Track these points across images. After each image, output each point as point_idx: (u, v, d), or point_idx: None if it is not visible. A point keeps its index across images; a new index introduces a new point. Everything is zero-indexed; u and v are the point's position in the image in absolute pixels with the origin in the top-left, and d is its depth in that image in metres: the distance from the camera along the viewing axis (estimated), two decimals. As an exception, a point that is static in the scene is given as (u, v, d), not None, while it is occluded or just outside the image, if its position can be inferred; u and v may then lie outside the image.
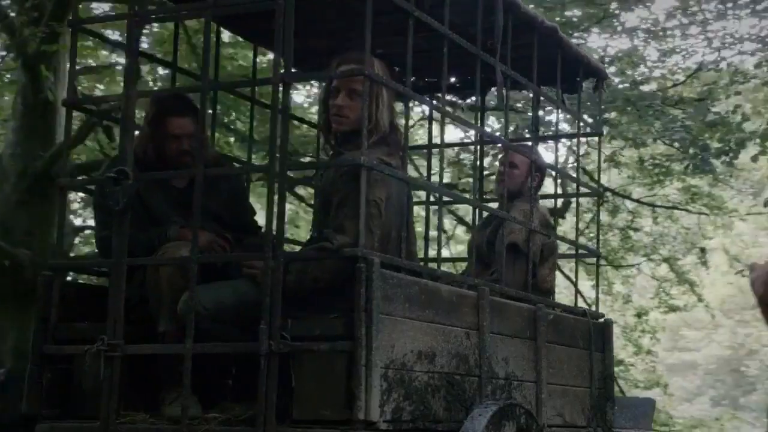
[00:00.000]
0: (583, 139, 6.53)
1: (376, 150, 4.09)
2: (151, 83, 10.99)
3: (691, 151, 12.58)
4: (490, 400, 4.52)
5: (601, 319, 6.08)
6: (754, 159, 13.47)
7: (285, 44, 4.00)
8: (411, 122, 4.42)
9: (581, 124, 6.18)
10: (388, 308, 3.90)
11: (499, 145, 5.80)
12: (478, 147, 5.34)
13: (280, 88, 4.01)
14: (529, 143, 6.03)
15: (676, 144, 12.92)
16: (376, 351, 3.78)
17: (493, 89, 6.23)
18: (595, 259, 6.47)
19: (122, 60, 7.65)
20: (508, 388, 4.80)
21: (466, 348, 4.46)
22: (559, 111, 5.86)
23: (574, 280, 6.07)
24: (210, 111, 4.95)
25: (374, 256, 3.85)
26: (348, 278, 3.94)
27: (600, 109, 6.44)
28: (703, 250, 18.17)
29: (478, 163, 5.40)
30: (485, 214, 5.71)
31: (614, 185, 15.67)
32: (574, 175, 6.70)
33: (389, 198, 4.09)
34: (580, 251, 6.23)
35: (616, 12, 12.57)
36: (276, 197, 3.93)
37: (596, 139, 6.42)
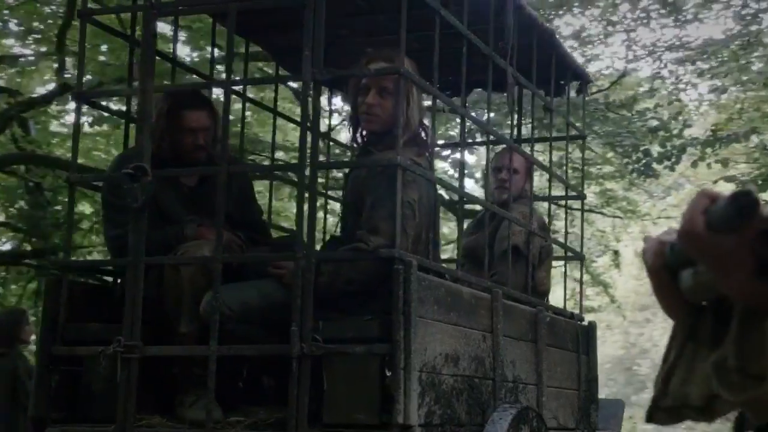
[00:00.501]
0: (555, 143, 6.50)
1: (407, 150, 4.03)
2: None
3: (634, 156, 12.82)
4: (505, 403, 4.51)
5: (585, 322, 6.13)
6: (694, 165, 13.75)
7: (315, 42, 3.92)
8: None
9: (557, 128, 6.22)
10: (421, 311, 3.85)
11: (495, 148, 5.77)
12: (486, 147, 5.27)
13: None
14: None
15: (619, 149, 13.13)
16: (414, 354, 3.73)
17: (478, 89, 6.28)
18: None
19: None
20: (515, 390, 4.79)
21: (483, 351, 4.44)
22: (552, 114, 5.86)
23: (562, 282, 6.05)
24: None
25: (411, 257, 3.79)
26: (381, 280, 3.88)
27: (584, 112, 6.48)
28: (616, 253, 18.61)
29: (483, 163, 5.39)
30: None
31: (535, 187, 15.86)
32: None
33: (420, 199, 4.04)
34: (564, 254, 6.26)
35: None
36: (306, 196, 3.86)
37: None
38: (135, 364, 3.98)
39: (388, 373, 3.69)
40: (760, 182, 12.29)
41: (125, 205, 4.27)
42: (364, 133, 4.24)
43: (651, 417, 1.16)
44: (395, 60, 4.07)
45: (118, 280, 4.65)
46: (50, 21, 10.62)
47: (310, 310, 3.77)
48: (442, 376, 4.01)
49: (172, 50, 5.08)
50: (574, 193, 6.24)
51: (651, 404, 1.15)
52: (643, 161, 12.58)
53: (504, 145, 5.80)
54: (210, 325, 3.87)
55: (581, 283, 6.30)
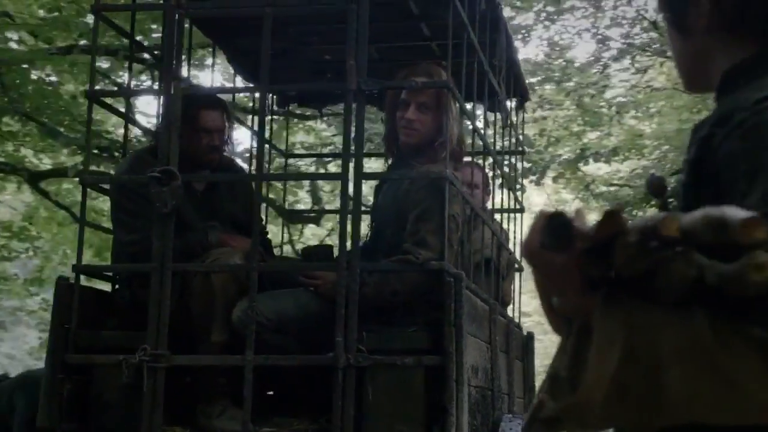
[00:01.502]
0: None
1: (449, 164, 4.07)
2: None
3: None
4: (504, 413, 4.61)
5: (524, 332, 6.31)
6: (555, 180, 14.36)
7: (359, 50, 3.92)
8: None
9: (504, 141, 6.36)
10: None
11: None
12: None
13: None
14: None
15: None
16: (465, 366, 3.78)
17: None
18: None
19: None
20: (502, 401, 4.90)
21: (486, 362, 4.52)
22: (510, 129, 6.00)
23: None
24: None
25: (460, 271, 3.84)
26: (424, 292, 3.91)
27: (522, 127, 6.66)
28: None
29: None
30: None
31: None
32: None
33: (460, 212, 4.09)
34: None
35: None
36: (350, 205, 3.85)
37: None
38: (162, 373, 3.86)
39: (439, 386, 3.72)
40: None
41: (140, 209, 4.14)
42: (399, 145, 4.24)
43: (528, 429, 1.17)
44: (434, 74, 4.10)
45: (116, 286, 4.48)
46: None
47: (355, 320, 3.76)
48: (471, 388, 4.07)
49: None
50: (518, 206, 6.41)
51: (529, 416, 1.17)
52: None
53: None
54: (246, 334, 3.79)
55: (520, 293, 6.46)
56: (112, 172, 9.60)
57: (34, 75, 10.02)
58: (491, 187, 5.75)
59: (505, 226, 5.95)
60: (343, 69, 4.85)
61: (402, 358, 3.79)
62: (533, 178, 13.28)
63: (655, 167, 12.49)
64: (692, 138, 1.37)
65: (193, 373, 4.10)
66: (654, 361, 1.06)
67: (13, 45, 10.10)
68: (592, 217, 1.10)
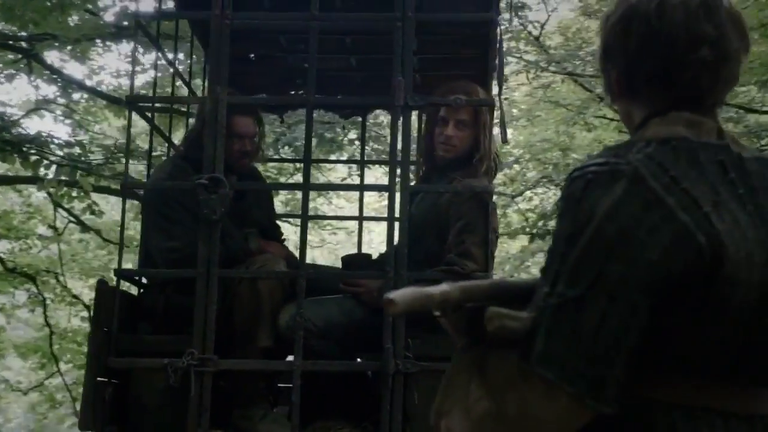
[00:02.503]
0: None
1: (485, 178, 4.23)
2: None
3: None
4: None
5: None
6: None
7: (405, 67, 4.04)
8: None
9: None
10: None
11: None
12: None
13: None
14: None
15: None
16: (509, 372, 3.92)
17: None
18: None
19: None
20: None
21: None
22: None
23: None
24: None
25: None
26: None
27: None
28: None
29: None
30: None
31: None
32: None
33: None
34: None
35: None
36: (397, 215, 3.97)
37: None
38: (209, 377, 3.92)
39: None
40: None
41: (179, 216, 4.19)
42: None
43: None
44: (471, 93, 4.25)
45: (141, 290, 4.51)
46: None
47: (402, 328, 3.88)
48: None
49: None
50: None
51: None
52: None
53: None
54: (295, 340, 3.88)
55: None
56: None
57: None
58: None
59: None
60: (323, 77, 5.05)
61: (447, 365, 3.91)
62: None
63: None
64: None
65: (228, 377, 4.15)
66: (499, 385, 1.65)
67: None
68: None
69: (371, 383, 4.10)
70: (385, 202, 4.12)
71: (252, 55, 5.49)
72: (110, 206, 15.18)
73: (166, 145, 4.83)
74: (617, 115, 13.96)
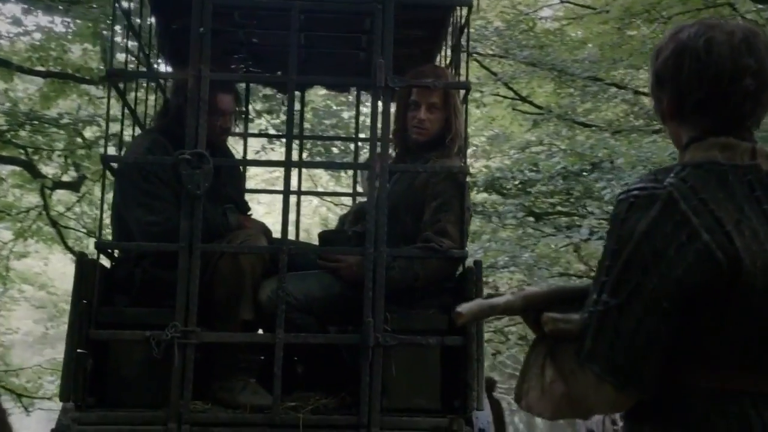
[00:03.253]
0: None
1: (456, 158, 4.37)
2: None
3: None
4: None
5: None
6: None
7: (385, 49, 4.15)
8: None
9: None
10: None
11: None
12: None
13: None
14: None
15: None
16: (483, 346, 4.09)
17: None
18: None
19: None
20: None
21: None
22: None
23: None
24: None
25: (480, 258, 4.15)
26: (441, 278, 4.22)
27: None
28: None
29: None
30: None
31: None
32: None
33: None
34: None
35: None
36: (377, 192, 4.09)
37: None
38: (192, 350, 3.99)
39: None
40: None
41: (159, 191, 4.24)
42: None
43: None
44: (441, 75, 4.39)
45: (113, 263, 4.53)
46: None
47: (382, 302, 4.01)
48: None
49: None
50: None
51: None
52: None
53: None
54: (277, 313, 3.98)
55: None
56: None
57: None
58: None
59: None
60: (271, 53, 5.12)
61: (426, 338, 4.07)
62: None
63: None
64: None
65: (207, 350, 4.22)
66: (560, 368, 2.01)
67: None
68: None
69: (348, 356, 4.21)
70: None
71: (201, 29, 5.51)
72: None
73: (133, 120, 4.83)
74: (509, 92, 14.39)
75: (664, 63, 2.06)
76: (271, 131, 11.48)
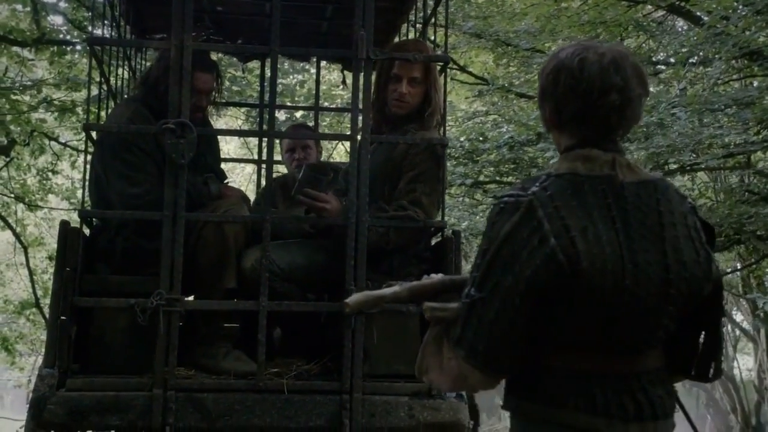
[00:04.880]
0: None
1: (435, 131, 4.47)
2: None
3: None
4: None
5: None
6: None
7: (366, 21, 4.22)
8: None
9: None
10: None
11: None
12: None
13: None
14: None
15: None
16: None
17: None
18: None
19: None
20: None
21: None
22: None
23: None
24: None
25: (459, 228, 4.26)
26: (412, 246, 4.33)
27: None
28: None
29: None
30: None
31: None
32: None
33: None
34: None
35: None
36: (358, 162, 4.17)
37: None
38: (176, 317, 4.05)
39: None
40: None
41: (141, 162, 4.27)
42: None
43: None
44: (422, 50, 4.47)
45: (92, 232, 4.54)
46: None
47: (363, 270, 4.11)
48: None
49: None
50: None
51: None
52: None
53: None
54: (261, 281, 4.05)
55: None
56: None
57: None
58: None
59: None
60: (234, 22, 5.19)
61: (406, 306, 4.17)
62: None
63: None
64: None
65: (189, 317, 4.28)
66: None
67: None
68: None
69: (326, 324, 4.31)
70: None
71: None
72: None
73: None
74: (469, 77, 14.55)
75: (546, 78, 2.39)
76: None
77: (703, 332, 2.45)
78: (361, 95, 4.25)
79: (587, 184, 2.27)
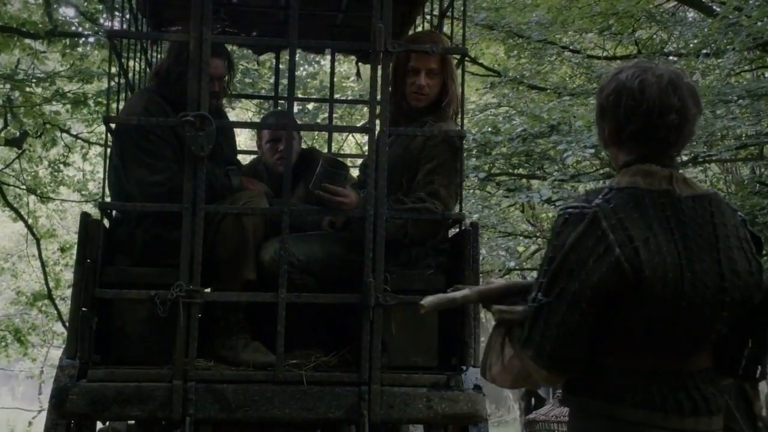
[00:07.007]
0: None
1: (452, 123, 4.49)
2: None
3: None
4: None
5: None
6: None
7: (384, 13, 4.23)
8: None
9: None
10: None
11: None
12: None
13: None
14: None
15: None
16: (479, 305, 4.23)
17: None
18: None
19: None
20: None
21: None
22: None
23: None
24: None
25: (477, 221, 4.28)
26: (430, 238, 4.34)
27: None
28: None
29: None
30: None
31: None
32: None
33: None
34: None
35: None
36: (376, 154, 4.18)
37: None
38: (196, 309, 4.07)
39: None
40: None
41: (160, 151, 4.29)
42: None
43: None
44: (438, 41, 4.48)
45: (111, 224, 4.56)
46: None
47: (382, 263, 4.12)
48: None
49: None
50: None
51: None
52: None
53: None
54: (280, 273, 4.07)
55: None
56: None
57: None
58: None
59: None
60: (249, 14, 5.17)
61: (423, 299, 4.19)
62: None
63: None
64: None
65: (208, 309, 4.30)
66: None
67: None
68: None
69: (345, 316, 4.33)
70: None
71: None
72: None
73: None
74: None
75: (606, 98, 2.52)
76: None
77: (751, 336, 2.60)
78: (379, 87, 4.26)
79: (647, 197, 2.42)
